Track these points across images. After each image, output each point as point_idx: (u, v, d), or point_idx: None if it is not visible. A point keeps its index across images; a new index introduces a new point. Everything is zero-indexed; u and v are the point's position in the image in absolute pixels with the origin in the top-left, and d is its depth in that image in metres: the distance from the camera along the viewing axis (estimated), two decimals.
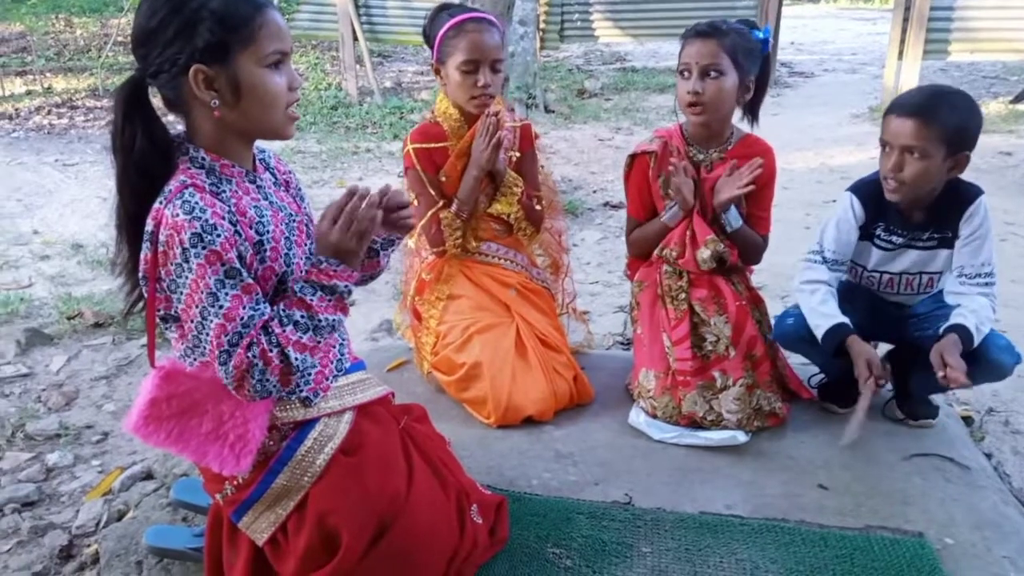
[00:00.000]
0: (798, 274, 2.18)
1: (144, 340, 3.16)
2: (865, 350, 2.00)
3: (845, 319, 2.05)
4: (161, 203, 1.29)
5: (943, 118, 1.89)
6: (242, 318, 1.30)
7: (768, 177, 2.26)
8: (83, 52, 10.33)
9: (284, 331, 1.33)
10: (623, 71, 9.66)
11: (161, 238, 1.28)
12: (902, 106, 1.95)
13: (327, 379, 1.53)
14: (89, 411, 2.75)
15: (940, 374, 1.87)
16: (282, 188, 1.54)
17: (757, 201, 2.28)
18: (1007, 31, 6.68)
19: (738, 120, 2.29)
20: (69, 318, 3.39)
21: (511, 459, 2.10)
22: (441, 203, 2.35)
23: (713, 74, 2.09)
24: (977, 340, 1.93)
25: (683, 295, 2.27)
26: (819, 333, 2.06)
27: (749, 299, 2.30)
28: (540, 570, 1.70)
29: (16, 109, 7.77)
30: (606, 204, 4.96)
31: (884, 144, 1.99)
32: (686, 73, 2.13)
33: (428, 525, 1.55)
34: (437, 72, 2.31)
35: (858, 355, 1.99)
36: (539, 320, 2.40)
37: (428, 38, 2.34)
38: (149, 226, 1.30)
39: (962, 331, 1.92)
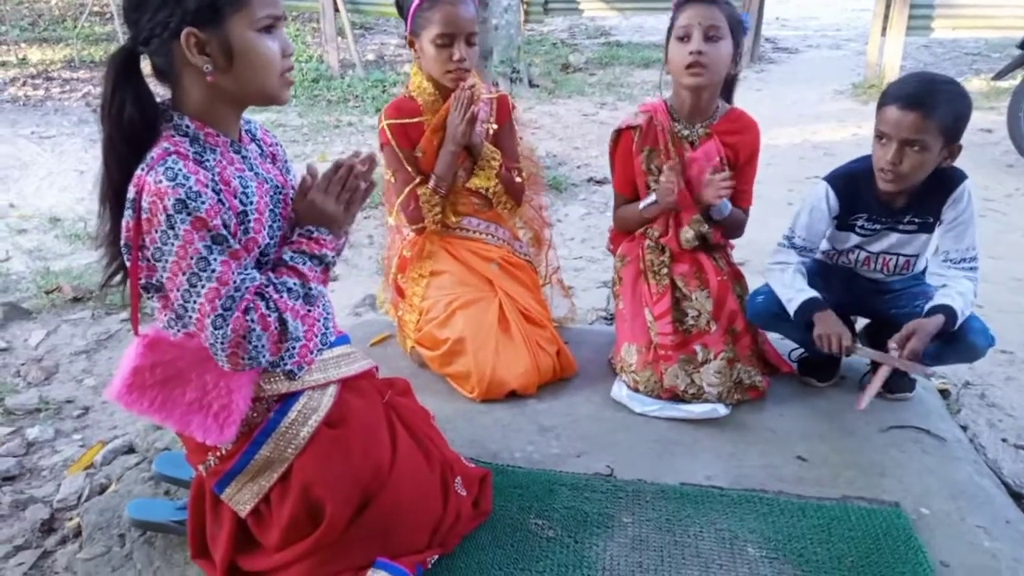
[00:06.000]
0: (769, 256, 2.20)
1: (125, 315, 3.14)
2: (830, 326, 2.01)
3: (816, 293, 2.07)
4: (143, 170, 1.28)
5: (942, 110, 1.88)
6: (235, 282, 1.29)
7: (752, 152, 2.28)
8: (58, 22, 10.12)
9: (281, 297, 1.35)
10: (608, 45, 9.58)
11: (144, 205, 1.27)
12: (901, 98, 1.91)
13: (311, 352, 1.52)
14: (69, 385, 2.73)
15: (893, 348, 1.91)
16: (268, 160, 1.52)
17: (741, 175, 2.28)
18: (989, 7, 6.68)
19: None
20: (47, 292, 3.35)
21: (494, 432, 2.11)
22: (418, 179, 2.32)
23: (714, 36, 2.08)
24: (959, 323, 1.96)
25: (665, 270, 2.28)
26: (791, 308, 2.08)
27: (730, 274, 2.32)
28: (523, 541, 1.71)
29: None
30: (590, 180, 4.94)
31: (881, 135, 1.96)
32: (686, 37, 2.10)
33: (412, 497, 1.56)
34: (411, 44, 2.27)
35: (824, 332, 2.01)
36: (522, 294, 2.40)
37: (400, 7, 2.29)
38: (131, 193, 1.29)
39: (949, 312, 1.94)
